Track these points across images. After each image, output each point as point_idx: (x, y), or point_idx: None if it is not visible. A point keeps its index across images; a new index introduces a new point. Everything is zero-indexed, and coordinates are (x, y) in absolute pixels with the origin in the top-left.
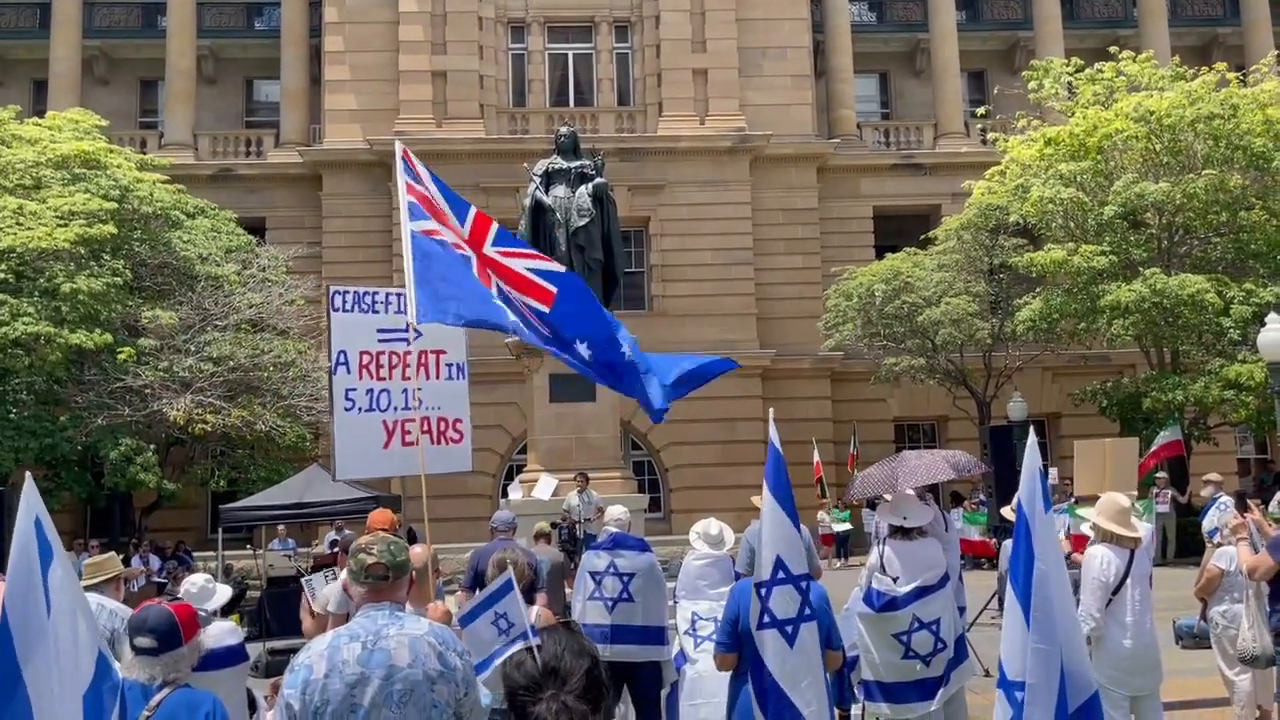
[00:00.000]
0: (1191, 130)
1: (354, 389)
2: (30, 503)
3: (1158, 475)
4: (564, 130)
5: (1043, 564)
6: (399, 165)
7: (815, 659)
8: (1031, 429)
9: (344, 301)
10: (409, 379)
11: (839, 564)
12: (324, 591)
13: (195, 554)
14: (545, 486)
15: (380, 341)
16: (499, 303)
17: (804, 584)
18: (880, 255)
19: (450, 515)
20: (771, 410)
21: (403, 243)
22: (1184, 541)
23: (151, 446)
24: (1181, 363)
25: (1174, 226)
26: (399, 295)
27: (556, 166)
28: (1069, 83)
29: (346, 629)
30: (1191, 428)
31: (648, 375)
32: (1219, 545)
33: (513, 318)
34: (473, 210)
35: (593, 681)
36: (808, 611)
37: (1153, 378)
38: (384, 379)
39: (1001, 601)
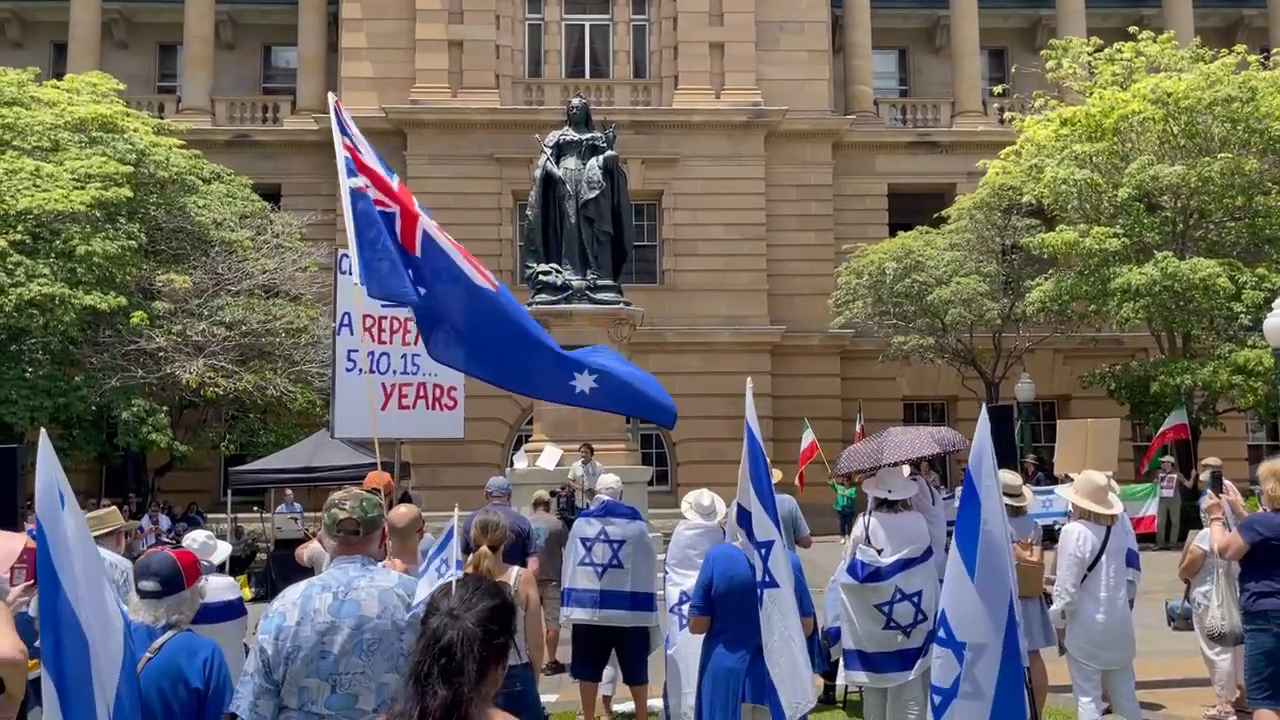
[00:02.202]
0: (1209, 113)
1: (356, 350)
2: (46, 458)
3: (1164, 459)
4: (576, 102)
5: (988, 526)
6: (333, 119)
7: (781, 627)
8: (984, 406)
9: (350, 265)
10: (409, 345)
11: (844, 540)
12: (316, 551)
13: (208, 516)
14: (550, 456)
15: (384, 306)
16: (409, 270)
17: (763, 550)
18: (894, 233)
19: (457, 484)
20: (749, 380)
21: (342, 201)
22: (1187, 525)
23: (164, 408)
24: (1192, 347)
25: (1189, 210)
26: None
27: (568, 138)
28: (1088, 63)
29: (319, 579)
30: (1200, 413)
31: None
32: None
33: (417, 289)
34: (396, 179)
35: (495, 620)
36: (767, 579)
37: (1161, 362)
38: (385, 343)
39: None
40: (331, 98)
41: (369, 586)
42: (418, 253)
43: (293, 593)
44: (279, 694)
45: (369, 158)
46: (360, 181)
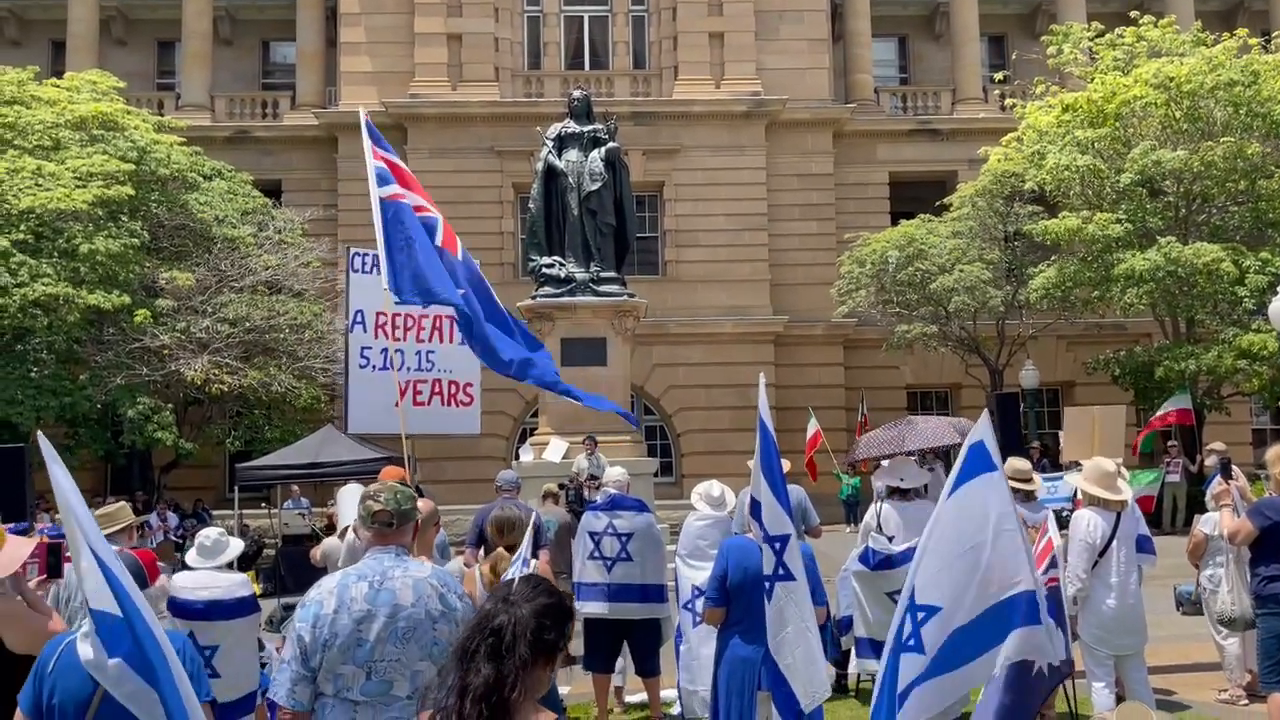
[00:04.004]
0: (1211, 97)
1: (369, 347)
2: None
3: (1170, 444)
4: (577, 94)
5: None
6: (364, 131)
7: (795, 619)
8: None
9: (363, 263)
10: (423, 341)
11: (849, 529)
12: (329, 547)
13: (214, 512)
14: (556, 449)
15: (396, 303)
16: (453, 278)
17: (778, 544)
18: (896, 222)
19: (463, 477)
20: (761, 375)
21: (373, 210)
22: (1193, 510)
23: (169, 406)
24: (1196, 332)
25: (1191, 195)
26: None
27: (569, 131)
28: (1089, 48)
29: (355, 569)
30: (1204, 397)
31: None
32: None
33: (460, 292)
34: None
35: (549, 616)
36: (781, 571)
37: (1165, 347)
38: (398, 339)
39: None
40: (363, 112)
41: (404, 576)
42: (459, 256)
43: (329, 582)
44: (315, 681)
45: (405, 170)
46: (394, 190)
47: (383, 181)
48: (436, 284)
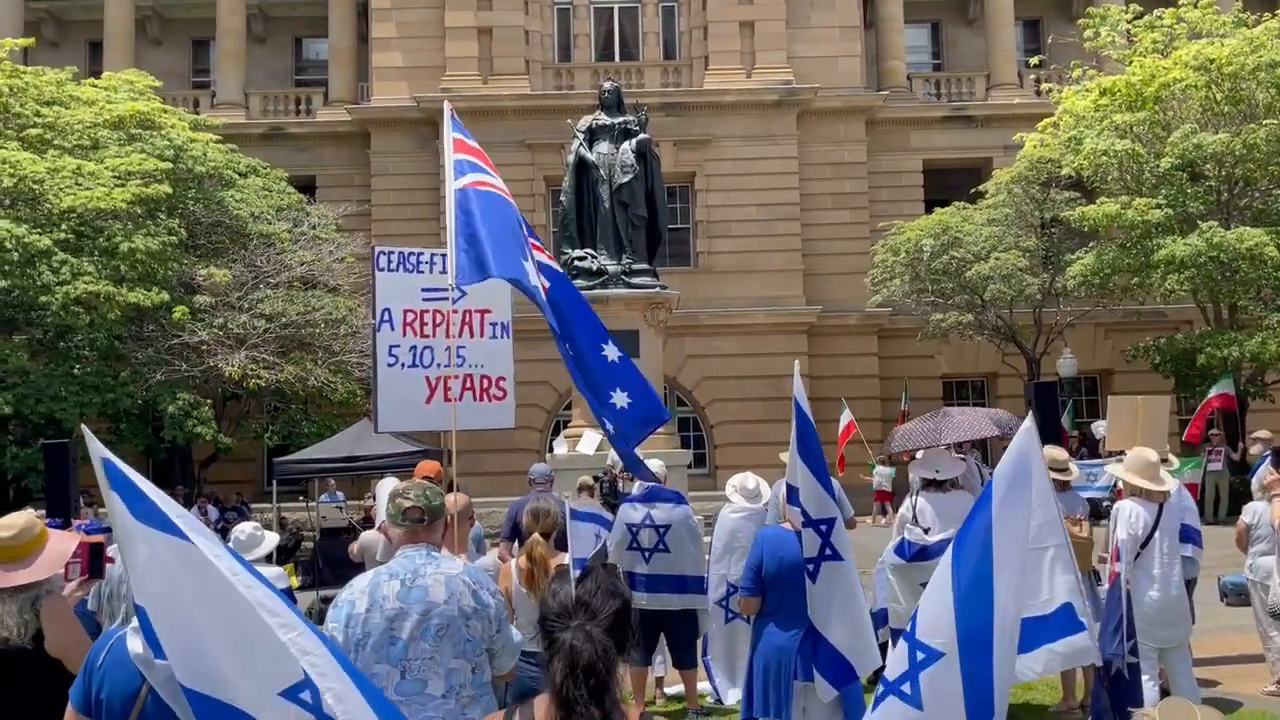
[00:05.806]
0: (1253, 79)
1: (397, 345)
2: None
3: (1211, 432)
4: (607, 86)
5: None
6: (448, 123)
7: (843, 593)
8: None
9: (389, 261)
10: (453, 337)
11: (884, 520)
12: (367, 540)
13: (252, 506)
14: (589, 442)
15: (424, 300)
16: (529, 265)
17: (823, 526)
18: (930, 210)
19: (498, 470)
20: (796, 363)
21: (447, 201)
22: (1236, 499)
23: (208, 401)
24: (1239, 318)
25: (1233, 178)
26: (443, 256)
27: (600, 122)
28: (1127, 31)
29: (386, 568)
30: (1248, 385)
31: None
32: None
33: (534, 282)
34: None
35: (620, 622)
36: (829, 552)
37: (1208, 333)
38: (427, 336)
39: None
40: (447, 107)
41: (435, 573)
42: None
43: (360, 581)
44: None
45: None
46: (481, 176)
47: (462, 171)
48: (499, 264)
